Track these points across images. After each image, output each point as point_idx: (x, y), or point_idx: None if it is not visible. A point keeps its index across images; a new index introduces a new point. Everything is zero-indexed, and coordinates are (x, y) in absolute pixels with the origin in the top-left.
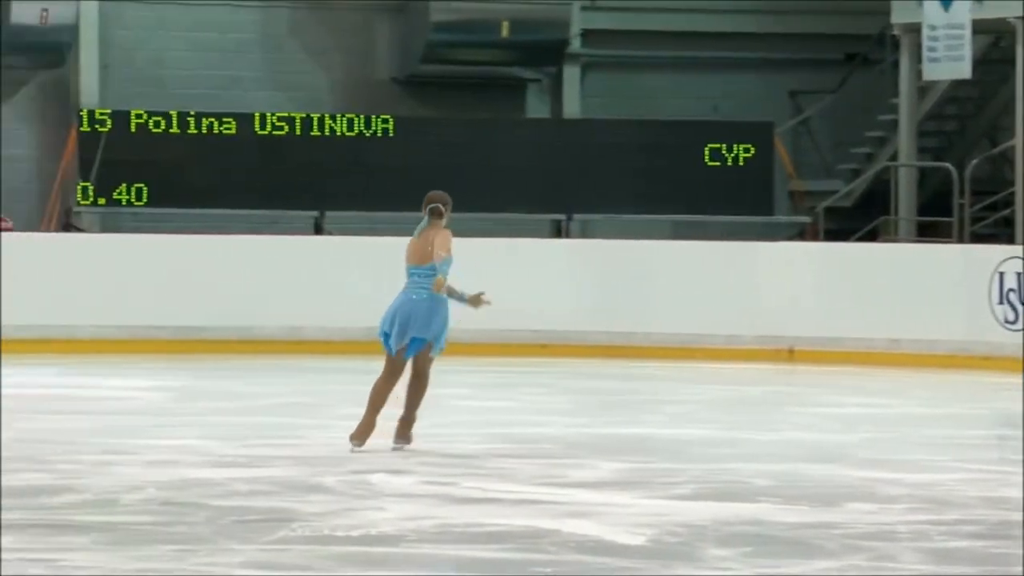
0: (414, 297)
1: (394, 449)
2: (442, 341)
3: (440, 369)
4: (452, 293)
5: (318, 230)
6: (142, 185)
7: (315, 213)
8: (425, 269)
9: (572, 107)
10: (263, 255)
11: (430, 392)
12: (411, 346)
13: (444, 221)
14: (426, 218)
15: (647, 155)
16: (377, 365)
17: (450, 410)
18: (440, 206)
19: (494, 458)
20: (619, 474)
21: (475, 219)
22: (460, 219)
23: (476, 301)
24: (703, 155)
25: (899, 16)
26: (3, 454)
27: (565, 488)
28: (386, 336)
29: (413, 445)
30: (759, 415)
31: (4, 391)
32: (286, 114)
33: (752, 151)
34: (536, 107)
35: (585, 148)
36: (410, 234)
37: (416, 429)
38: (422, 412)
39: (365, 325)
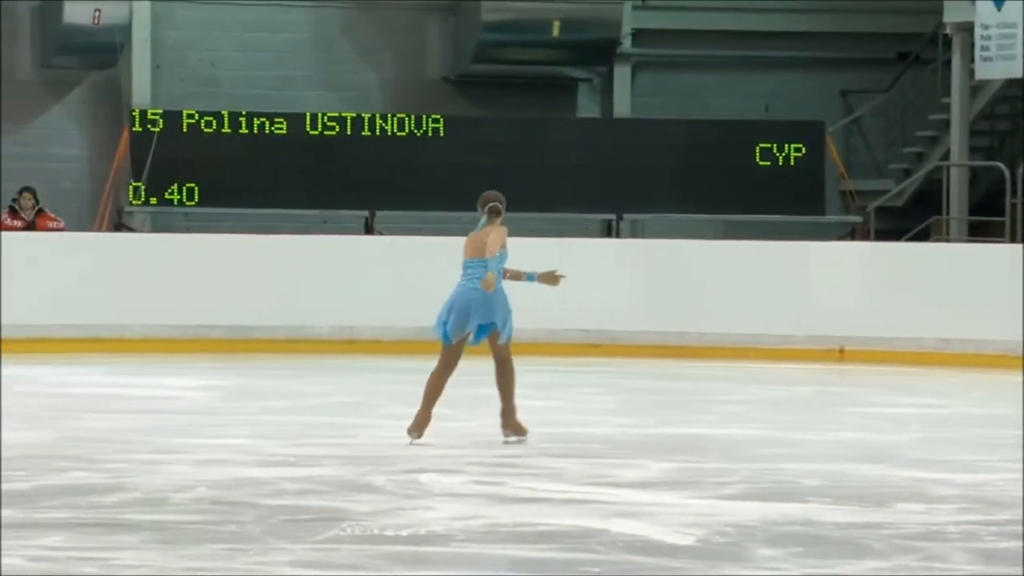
0: (470, 287)
1: (506, 442)
2: (509, 328)
3: (491, 370)
4: (518, 277)
5: (368, 230)
6: (193, 185)
7: (365, 213)
8: (477, 263)
9: (623, 106)
10: (313, 255)
11: (479, 391)
12: (477, 334)
13: (500, 219)
14: (484, 217)
15: (698, 155)
16: (428, 364)
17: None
18: (498, 204)
19: (544, 457)
20: (669, 474)
21: (525, 219)
22: (510, 219)
23: (548, 279)
24: (754, 155)
25: (951, 15)
26: (53, 452)
27: (614, 488)
28: (444, 325)
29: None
30: (809, 415)
31: (54, 390)
32: (337, 114)
33: (803, 150)
34: (587, 107)
35: (636, 148)
36: (461, 234)
37: (465, 428)
38: (471, 411)
39: (415, 324)
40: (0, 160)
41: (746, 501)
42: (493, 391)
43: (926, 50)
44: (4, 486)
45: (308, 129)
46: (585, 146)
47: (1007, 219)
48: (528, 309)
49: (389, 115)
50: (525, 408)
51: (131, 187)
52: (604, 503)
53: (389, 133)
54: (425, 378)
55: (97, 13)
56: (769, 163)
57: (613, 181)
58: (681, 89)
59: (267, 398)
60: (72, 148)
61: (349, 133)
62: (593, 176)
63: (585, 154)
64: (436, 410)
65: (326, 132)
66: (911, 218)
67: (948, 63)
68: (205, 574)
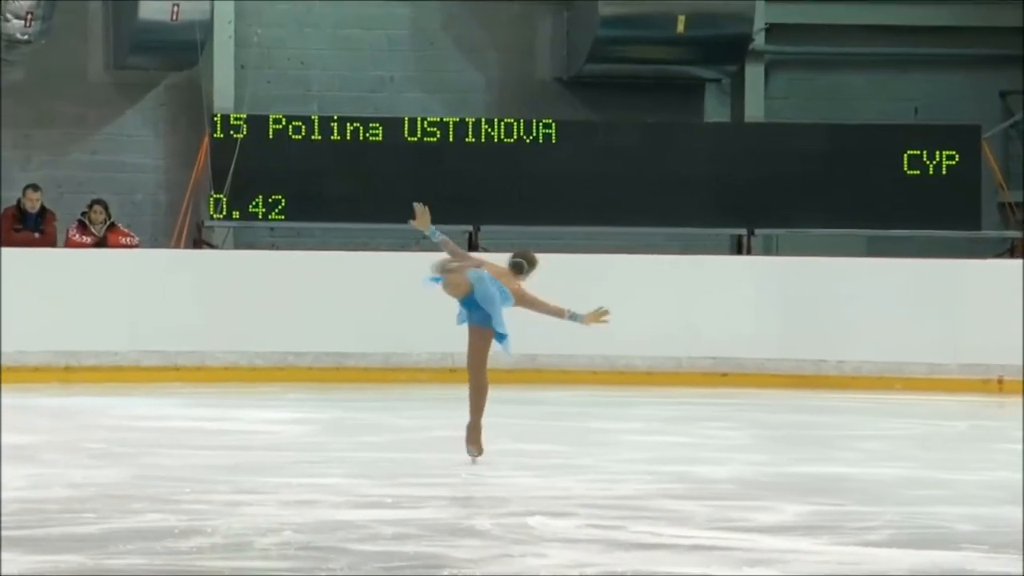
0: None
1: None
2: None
3: (608, 402)
4: (560, 313)
5: (472, 246)
6: (280, 197)
7: (469, 227)
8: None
9: (755, 109)
10: (412, 274)
11: (591, 425)
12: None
13: (520, 280)
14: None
15: (838, 163)
16: (538, 394)
17: (619, 446)
18: (523, 262)
19: (666, 499)
20: (806, 518)
21: (646, 234)
22: (628, 234)
23: (595, 317)
24: (901, 163)
25: None
26: (126, 492)
27: (746, 533)
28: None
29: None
30: (963, 452)
31: (127, 423)
32: (438, 119)
33: (957, 158)
34: (715, 110)
35: (769, 155)
36: (573, 250)
37: (577, 466)
38: (583, 448)
39: (525, 351)
40: (68, 170)
41: (892, 548)
42: (613, 425)
43: None
44: (74, 528)
45: (406, 135)
46: (713, 153)
47: None
48: (647, 336)
49: (495, 119)
50: (645, 444)
51: (211, 199)
52: (734, 550)
53: (495, 139)
54: (538, 411)
55: (176, 8)
56: (918, 172)
57: (744, 192)
58: (820, 90)
59: (360, 433)
60: (147, 157)
61: (451, 139)
62: (721, 186)
63: (713, 162)
64: (548, 447)
65: (426, 138)
66: None
67: None
68: None
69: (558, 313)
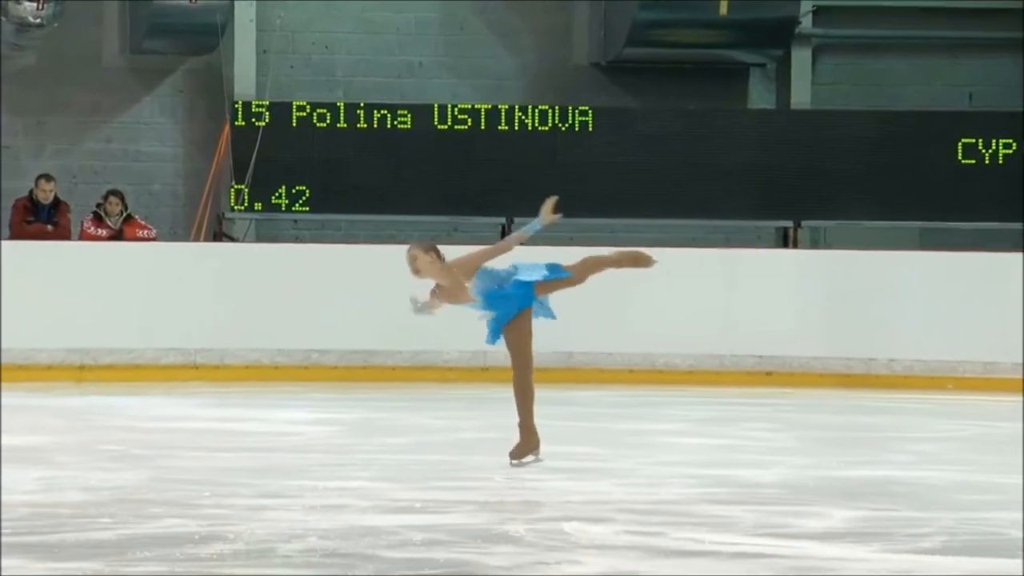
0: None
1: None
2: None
3: (647, 402)
4: (520, 239)
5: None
6: (304, 188)
7: (502, 219)
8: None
9: (802, 96)
10: None
11: (630, 426)
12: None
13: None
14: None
15: (889, 151)
16: (575, 395)
17: (658, 448)
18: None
19: (708, 504)
20: (855, 523)
21: (687, 226)
22: (668, 227)
23: (548, 213)
24: (955, 151)
25: None
26: (143, 496)
27: (792, 540)
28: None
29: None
30: (1019, 455)
31: (145, 424)
32: (469, 105)
33: (1014, 147)
34: (760, 96)
35: (816, 143)
36: (612, 242)
37: (615, 469)
38: (621, 450)
39: (562, 349)
40: (82, 160)
41: (947, 556)
42: (653, 426)
43: None
44: (88, 534)
45: (436, 123)
46: (757, 142)
47: None
48: (688, 333)
49: (529, 107)
50: (686, 446)
51: (232, 190)
52: (780, 557)
53: (529, 127)
54: (573, 411)
55: None
56: (973, 161)
57: (790, 182)
58: (870, 75)
59: (388, 434)
60: (165, 145)
61: (483, 127)
62: (766, 177)
63: (757, 151)
64: (584, 449)
65: (457, 126)
66: None
67: None
68: None
69: (518, 240)
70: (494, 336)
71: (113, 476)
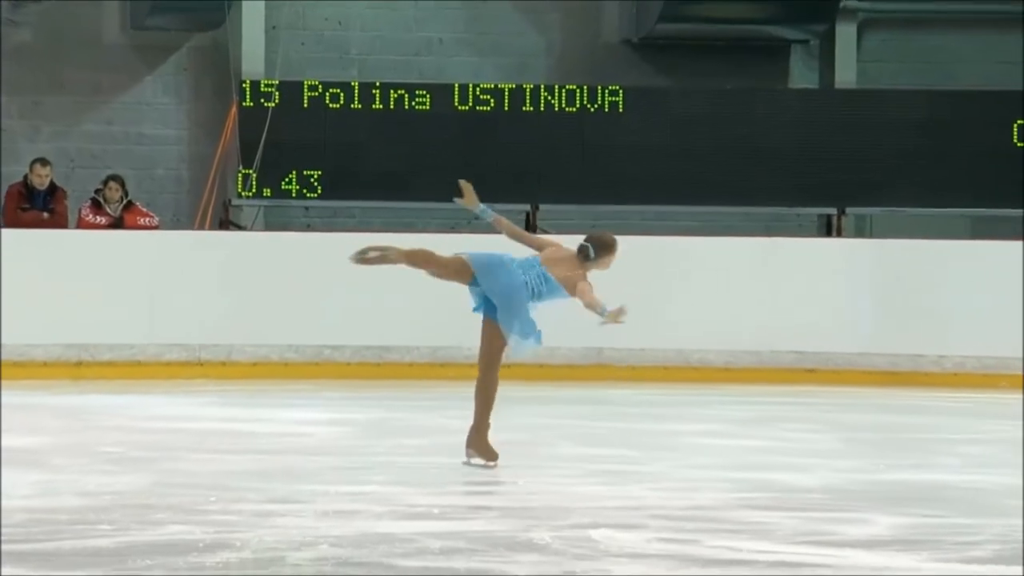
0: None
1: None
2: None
3: (681, 400)
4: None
5: (530, 226)
6: (315, 172)
7: (527, 206)
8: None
9: (846, 74)
10: None
11: (662, 427)
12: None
13: (587, 267)
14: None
15: (940, 134)
16: (605, 393)
17: (693, 450)
18: (589, 247)
19: (746, 510)
20: (901, 531)
21: (723, 213)
22: (704, 214)
23: (613, 317)
24: (1011, 133)
25: None
26: (146, 501)
27: (835, 548)
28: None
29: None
30: None
31: (148, 424)
32: (492, 85)
33: None
34: (802, 74)
35: (862, 125)
36: (642, 232)
37: (647, 473)
38: (652, 452)
39: (591, 345)
40: (81, 143)
41: (998, 565)
42: (686, 427)
43: None
44: (87, 542)
45: (456, 104)
46: (799, 123)
47: None
48: (724, 328)
49: (556, 86)
50: (722, 448)
51: (240, 175)
52: (822, 567)
53: (556, 108)
54: (603, 411)
55: None
56: None
57: (834, 167)
58: (919, 52)
59: (405, 435)
60: (168, 127)
61: (507, 108)
62: (809, 161)
63: (799, 133)
64: (614, 451)
65: (478, 107)
66: None
67: None
68: None
69: (594, 306)
70: (476, 305)
71: (113, 480)
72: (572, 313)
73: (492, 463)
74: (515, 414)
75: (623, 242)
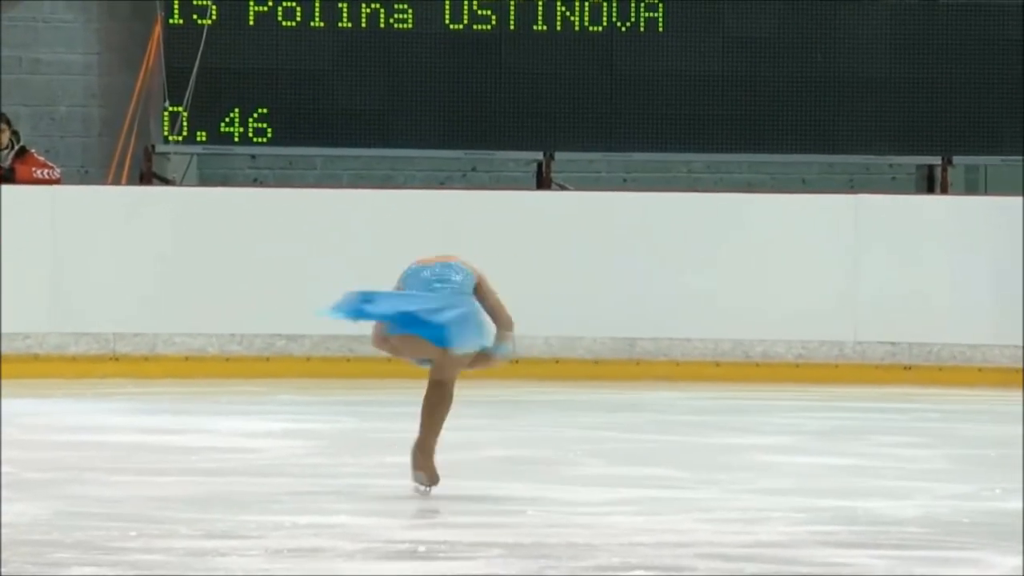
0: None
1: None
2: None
3: (739, 406)
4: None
5: (542, 181)
6: (264, 110)
7: (538, 155)
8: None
9: None
10: (456, 221)
11: (710, 441)
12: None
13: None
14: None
15: None
16: (640, 397)
17: (756, 470)
18: None
19: (825, 548)
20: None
21: (794, 163)
22: (767, 163)
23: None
24: None
25: None
26: (47, 537)
27: None
28: None
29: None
30: None
31: (52, 437)
32: None
33: None
34: None
35: (974, 50)
36: (685, 187)
37: (695, 500)
38: (701, 474)
39: (622, 335)
40: None
41: None
42: (746, 441)
43: None
44: None
45: (447, 21)
46: (893, 47)
47: None
48: (795, 311)
49: None
50: (795, 468)
51: (166, 113)
52: None
53: (576, 27)
54: (638, 419)
55: None
56: None
57: (937, 104)
58: None
59: (381, 451)
60: (73, 52)
61: (512, 27)
62: (905, 96)
63: (893, 61)
64: (653, 471)
65: (476, 25)
66: None
67: None
68: None
69: (505, 324)
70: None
71: (7, 510)
72: (598, 295)
73: (428, 487)
74: (525, 424)
75: (663, 201)
